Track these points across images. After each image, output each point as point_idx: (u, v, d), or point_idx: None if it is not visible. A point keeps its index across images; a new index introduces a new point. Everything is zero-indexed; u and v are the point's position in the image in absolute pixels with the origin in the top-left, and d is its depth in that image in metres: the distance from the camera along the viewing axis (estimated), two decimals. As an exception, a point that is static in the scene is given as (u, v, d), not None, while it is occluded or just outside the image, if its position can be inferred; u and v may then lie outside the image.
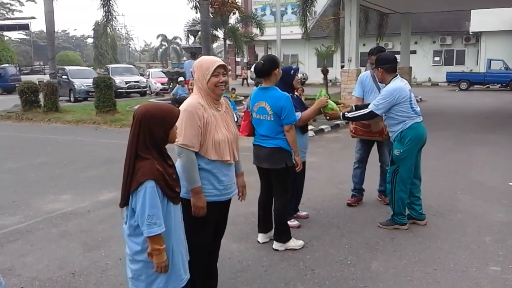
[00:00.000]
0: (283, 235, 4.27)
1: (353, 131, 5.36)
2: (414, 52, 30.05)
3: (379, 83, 5.14)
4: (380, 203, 5.59)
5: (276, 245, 4.27)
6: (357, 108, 4.80)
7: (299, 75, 5.01)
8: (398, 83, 4.58)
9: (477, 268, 3.83)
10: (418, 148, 4.67)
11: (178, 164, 2.96)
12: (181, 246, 2.57)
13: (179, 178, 2.62)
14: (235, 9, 28.23)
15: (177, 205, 2.56)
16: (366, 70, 5.50)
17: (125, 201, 2.44)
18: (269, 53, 37.56)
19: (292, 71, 4.63)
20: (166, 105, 2.57)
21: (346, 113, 4.69)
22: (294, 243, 4.28)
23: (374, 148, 5.56)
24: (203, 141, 2.94)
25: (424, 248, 4.25)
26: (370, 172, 5.62)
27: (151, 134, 2.41)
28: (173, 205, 2.49)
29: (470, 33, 31.97)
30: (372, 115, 4.62)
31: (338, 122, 12.28)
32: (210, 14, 19.55)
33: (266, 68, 4.07)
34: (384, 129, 5.13)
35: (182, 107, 2.92)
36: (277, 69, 4.11)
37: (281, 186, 4.20)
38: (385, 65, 4.64)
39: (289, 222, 4.74)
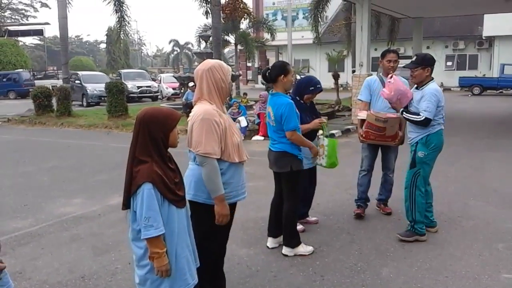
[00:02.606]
0: (292, 239, 4.25)
1: (364, 136, 5.04)
2: (426, 56, 29.79)
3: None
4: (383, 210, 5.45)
5: (285, 250, 4.25)
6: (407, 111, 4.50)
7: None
8: (437, 86, 4.44)
9: (489, 276, 3.77)
10: (437, 154, 4.53)
11: (194, 171, 2.97)
12: (186, 251, 2.55)
13: (182, 182, 2.62)
14: (246, 14, 28.29)
15: (182, 209, 2.54)
16: (378, 74, 5.35)
17: (126, 204, 2.45)
18: (280, 58, 37.64)
19: (312, 88, 4.59)
20: (166, 108, 2.59)
21: (404, 111, 4.45)
22: (304, 248, 4.26)
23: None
24: (225, 146, 2.95)
25: (436, 255, 4.20)
26: (377, 178, 5.56)
27: (151, 137, 2.42)
28: (176, 209, 2.48)
29: (483, 38, 31.73)
30: (427, 122, 4.29)
31: (349, 127, 12.24)
32: (222, 20, 19.62)
33: (271, 75, 4.10)
34: (398, 134, 5.03)
35: (198, 115, 2.90)
36: (282, 76, 4.06)
37: (289, 189, 4.20)
38: (433, 66, 4.46)
39: None
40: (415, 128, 4.45)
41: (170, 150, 2.57)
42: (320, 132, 4.63)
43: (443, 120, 4.46)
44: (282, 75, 4.07)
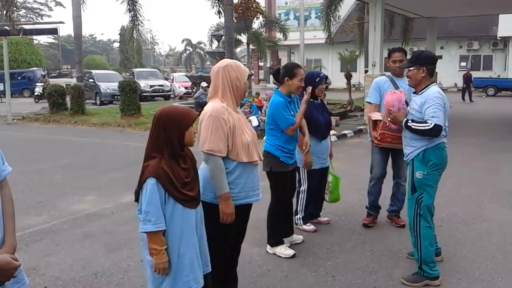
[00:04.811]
0: (269, 239, 4.29)
1: (379, 138, 4.55)
2: (440, 57, 29.54)
3: (401, 87, 4.52)
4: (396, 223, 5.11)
5: (267, 246, 4.30)
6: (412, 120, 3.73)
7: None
8: (440, 90, 3.70)
9: (503, 278, 3.73)
10: (440, 175, 3.74)
11: (204, 170, 2.95)
12: (192, 253, 2.51)
13: (196, 182, 2.60)
14: (258, 14, 28.32)
15: (192, 209, 2.52)
16: (387, 74, 5.19)
17: (135, 197, 2.48)
18: (292, 57, 37.56)
19: (318, 79, 4.57)
20: (184, 107, 2.62)
21: (409, 121, 3.70)
22: (282, 250, 4.21)
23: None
24: (233, 145, 2.93)
25: (449, 256, 4.16)
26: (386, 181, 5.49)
27: (165, 133, 2.44)
28: (183, 208, 2.46)
29: (498, 38, 31.38)
30: (438, 129, 3.53)
31: (362, 127, 12.18)
32: (234, 19, 19.65)
33: (280, 74, 4.11)
34: None
35: (206, 112, 2.91)
36: (287, 78, 4.04)
37: (272, 189, 4.18)
38: (430, 65, 3.69)
39: (304, 226, 4.81)
40: (411, 140, 3.73)
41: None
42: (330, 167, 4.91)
43: (446, 131, 3.70)
44: (287, 77, 4.05)
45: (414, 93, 3.82)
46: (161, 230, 2.38)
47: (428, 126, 3.54)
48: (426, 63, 3.67)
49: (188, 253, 2.49)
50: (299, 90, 4.14)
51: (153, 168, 2.38)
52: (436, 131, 3.53)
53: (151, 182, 2.36)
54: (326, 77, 4.72)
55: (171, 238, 2.44)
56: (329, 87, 28.61)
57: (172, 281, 2.46)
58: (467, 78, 24.14)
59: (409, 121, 3.69)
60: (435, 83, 3.75)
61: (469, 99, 23.03)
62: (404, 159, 3.89)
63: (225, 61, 3.09)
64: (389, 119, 4.00)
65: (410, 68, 3.72)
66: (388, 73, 5.06)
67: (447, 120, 3.70)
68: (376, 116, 4.66)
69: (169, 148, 2.44)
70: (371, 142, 4.86)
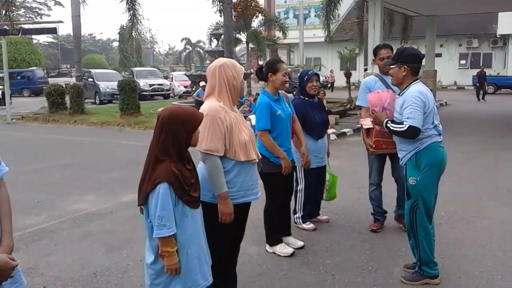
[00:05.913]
0: (267, 238, 4.28)
1: (374, 146, 4.44)
2: (439, 55, 29.61)
3: (392, 86, 4.17)
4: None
5: (267, 245, 4.30)
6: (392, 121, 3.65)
7: (322, 78, 4.90)
8: (422, 88, 3.52)
9: (502, 276, 3.73)
10: (439, 176, 3.60)
11: (202, 169, 2.93)
12: (199, 251, 2.54)
13: (198, 183, 2.61)
14: (258, 13, 28.29)
15: (196, 209, 2.53)
16: (376, 73, 4.84)
17: (142, 201, 2.45)
18: (291, 56, 37.57)
19: (306, 76, 4.56)
20: (190, 108, 2.60)
21: (389, 121, 3.61)
22: (281, 249, 4.20)
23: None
24: (230, 144, 2.91)
25: (448, 254, 4.16)
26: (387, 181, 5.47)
27: (174, 136, 2.42)
28: (190, 210, 2.47)
29: (498, 36, 31.43)
30: (413, 131, 3.41)
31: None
32: (233, 18, 19.66)
33: (264, 72, 4.05)
34: None
35: (202, 112, 2.90)
36: (270, 74, 3.96)
37: (265, 189, 4.12)
38: (413, 64, 3.53)
39: (304, 225, 4.81)
40: (401, 144, 3.61)
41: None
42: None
43: (437, 130, 3.54)
44: (271, 73, 3.98)
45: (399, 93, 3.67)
46: (174, 233, 2.39)
47: (403, 128, 3.45)
48: (408, 61, 3.51)
49: (195, 252, 2.51)
50: (284, 85, 4.03)
51: (164, 173, 2.36)
52: (411, 132, 3.42)
53: (163, 187, 2.35)
54: (317, 75, 4.67)
55: (181, 239, 2.44)
56: (328, 85, 28.66)
57: (182, 281, 2.47)
58: (481, 77, 23.62)
59: (389, 122, 3.60)
60: (418, 81, 3.58)
61: (482, 98, 22.54)
62: (400, 163, 3.78)
63: (221, 60, 3.07)
64: (371, 119, 3.94)
65: (392, 66, 3.59)
66: (378, 72, 4.83)
67: (437, 118, 3.55)
68: (368, 123, 4.48)
69: (177, 150, 2.43)
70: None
